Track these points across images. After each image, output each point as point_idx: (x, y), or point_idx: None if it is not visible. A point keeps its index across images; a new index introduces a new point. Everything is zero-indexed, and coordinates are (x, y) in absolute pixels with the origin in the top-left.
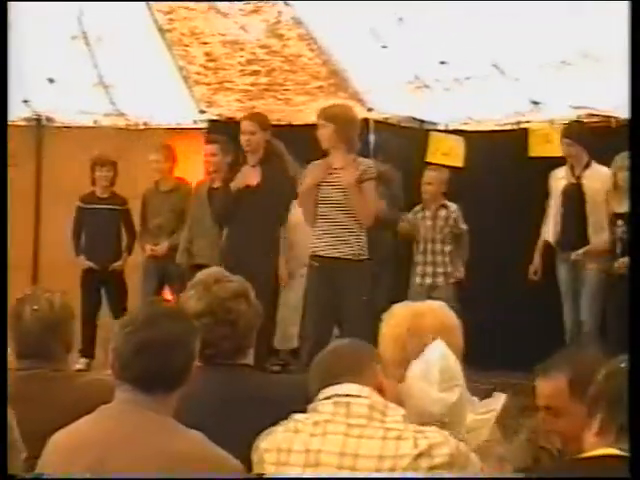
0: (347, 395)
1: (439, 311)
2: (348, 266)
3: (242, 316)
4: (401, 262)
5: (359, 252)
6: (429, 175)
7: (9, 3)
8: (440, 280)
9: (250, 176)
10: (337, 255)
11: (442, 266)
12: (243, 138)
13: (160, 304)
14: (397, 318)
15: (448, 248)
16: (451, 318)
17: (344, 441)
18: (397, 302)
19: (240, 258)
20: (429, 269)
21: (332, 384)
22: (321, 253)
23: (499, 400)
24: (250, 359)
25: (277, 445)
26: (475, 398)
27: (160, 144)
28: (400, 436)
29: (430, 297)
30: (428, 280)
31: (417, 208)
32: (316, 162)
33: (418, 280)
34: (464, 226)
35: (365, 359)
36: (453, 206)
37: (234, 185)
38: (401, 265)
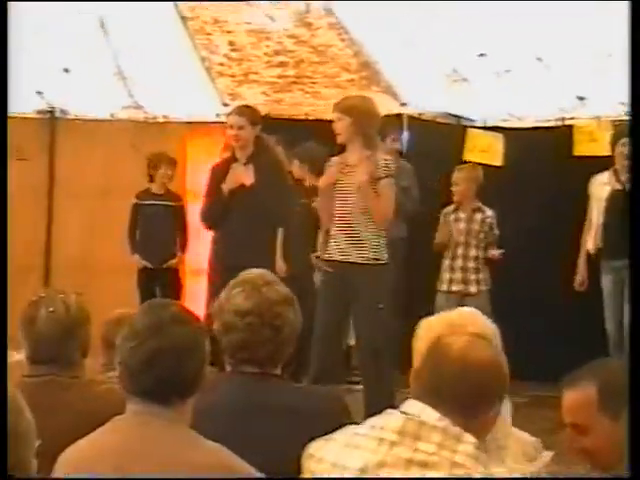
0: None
1: (477, 320)
2: (363, 271)
3: (288, 324)
4: (416, 265)
5: (375, 256)
6: (455, 175)
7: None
8: (472, 288)
9: (243, 175)
10: (351, 260)
11: (474, 273)
12: (231, 133)
13: (164, 308)
14: (434, 332)
15: (481, 254)
16: (488, 328)
17: (405, 468)
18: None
19: (237, 262)
20: (458, 275)
21: (432, 398)
22: (335, 257)
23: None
24: (279, 371)
25: (334, 459)
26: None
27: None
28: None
29: (461, 306)
30: (458, 287)
31: (449, 208)
32: (333, 159)
33: (445, 287)
34: (497, 232)
35: (491, 398)
36: (489, 211)
37: (227, 186)
38: (415, 268)
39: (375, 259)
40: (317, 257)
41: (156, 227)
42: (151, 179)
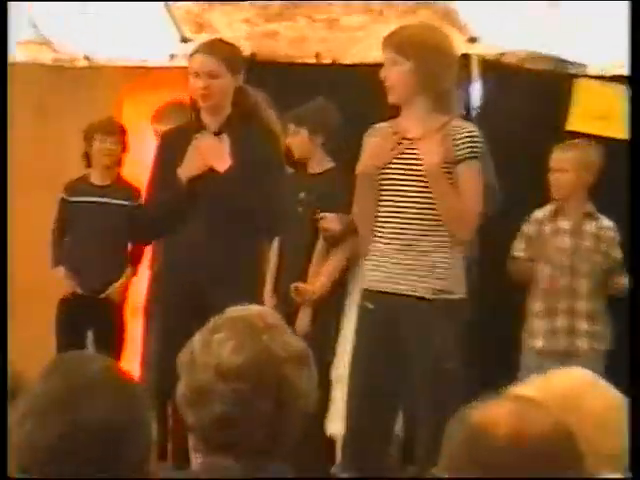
0: None
1: (599, 390)
2: (424, 309)
3: (301, 396)
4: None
5: (444, 286)
6: (560, 156)
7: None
8: (583, 344)
9: (213, 153)
10: (407, 291)
11: (586, 320)
12: (196, 85)
13: (85, 364)
14: None
15: (598, 288)
16: (617, 401)
17: None
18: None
19: (202, 295)
20: (560, 323)
21: None
22: (380, 287)
23: None
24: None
25: None
26: None
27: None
28: None
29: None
30: (560, 342)
31: (541, 214)
32: (380, 126)
33: (540, 343)
34: (620, 255)
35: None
36: (606, 220)
37: (185, 171)
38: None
39: (444, 291)
40: (296, 288)
41: (95, 237)
42: (88, 162)
